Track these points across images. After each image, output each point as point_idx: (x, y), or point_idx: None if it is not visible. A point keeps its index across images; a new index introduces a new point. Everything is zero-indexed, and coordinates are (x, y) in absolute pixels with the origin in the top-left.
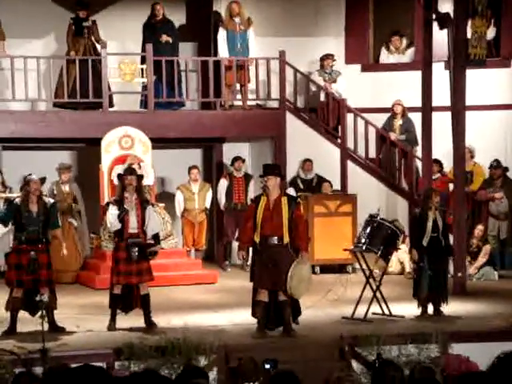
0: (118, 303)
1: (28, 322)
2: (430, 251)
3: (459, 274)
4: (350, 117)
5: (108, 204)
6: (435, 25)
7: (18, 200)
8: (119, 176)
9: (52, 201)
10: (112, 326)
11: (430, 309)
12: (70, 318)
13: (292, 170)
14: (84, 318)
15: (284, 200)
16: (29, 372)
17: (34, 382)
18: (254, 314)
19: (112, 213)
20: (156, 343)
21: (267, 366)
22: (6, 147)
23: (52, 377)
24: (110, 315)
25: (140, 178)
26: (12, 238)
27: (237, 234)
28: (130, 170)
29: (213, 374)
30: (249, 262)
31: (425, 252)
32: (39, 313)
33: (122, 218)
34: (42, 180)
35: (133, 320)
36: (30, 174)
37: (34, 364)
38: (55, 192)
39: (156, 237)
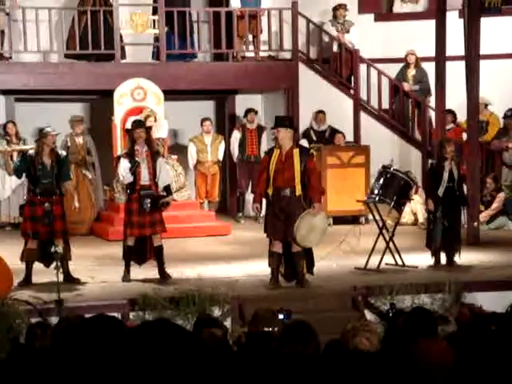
0: (131, 254)
1: (43, 273)
2: (445, 201)
3: (474, 224)
4: (362, 67)
5: (119, 157)
6: None
7: (31, 152)
8: (128, 130)
9: (64, 153)
10: (126, 277)
11: (443, 259)
12: (85, 270)
13: (305, 121)
14: (98, 269)
15: (296, 152)
16: (42, 322)
17: (48, 331)
18: (269, 265)
19: (124, 166)
20: (170, 294)
21: (281, 317)
22: (18, 99)
23: (66, 326)
24: (124, 266)
25: (149, 129)
26: (26, 191)
27: (251, 186)
28: (138, 123)
29: (227, 325)
30: (262, 214)
31: (440, 202)
32: (54, 264)
33: (134, 170)
34: (56, 134)
35: (147, 271)
36: (47, 126)
37: (49, 314)
38: (69, 144)
39: (167, 188)
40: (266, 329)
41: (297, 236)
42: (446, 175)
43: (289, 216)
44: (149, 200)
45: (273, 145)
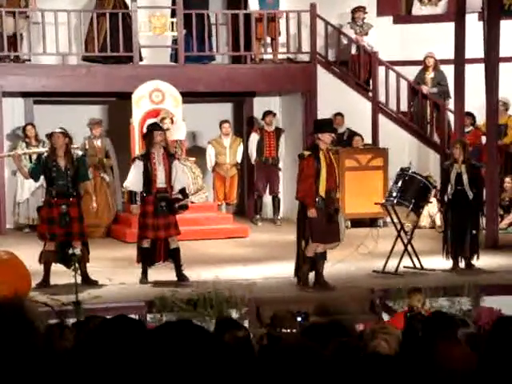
0: (148, 256)
1: (61, 275)
2: (454, 204)
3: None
4: (381, 70)
5: (135, 159)
6: None
7: (46, 154)
8: (145, 133)
9: (80, 153)
10: (144, 279)
11: (462, 262)
12: (103, 271)
13: None
14: (116, 271)
15: (331, 153)
16: (60, 323)
17: (67, 332)
18: (300, 271)
19: (134, 172)
20: (188, 296)
21: (298, 319)
22: (37, 101)
23: (88, 326)
24: (141, 269)
25: (165, 132)
26: (44, 192)
27: (268, 188)
28: (156, 126)
29: None
30: (279, 217)
31: (449, 205)
32: (72, 266)
33: (149, 175)
34: (66, 135)
35: (164, 273)
36: (59, 128)
37: (67, 316)
38: (87, 147)
39: (183, 191)
40: (284, 330)
41: (343, 236)
42: (452, 177)
43: (336, 217)
44: (164, 203)
45: (310, 147)
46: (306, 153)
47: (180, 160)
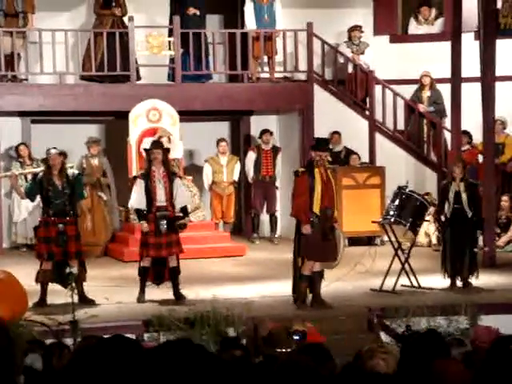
0: (147, 275)
1: (58, 294)
2: (453, 223)
3: (486, 249)
4: (378, 88)
5: (135, 178)
6: None
7: (42, 174)
8: (145, 150)
9: (76, 172)
10: (141, 298)
11: (460, 281)
12: (100, 291)
13: None
14: (113, 291)
15: (329, 171)
16: (59, 343)
17: (65, 351)
18: (297, 289)
19: (137, 191)
20: (185, 315)
21: (296, 338)
22: (34, 120)
23: (85, 346)
24: (139, 287)
25: (166, 150)
26: (41, 212)
27: (265, 207)
28: (156, 144)
29: None
30: (277, 235)
31: (448, 224)
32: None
33: (149, 194)
34: (62, 154)
35: (162, 292)
36: (54, 148)
37: (64, 335)
38: (84, 166)
39: (184, 209)
40: (278, 350)
41: (342, 255)
42: (451, 196)
43: (333, 236)
44: (165, 221)
45: (306, 165)
46: (301, 170)
47: (182, 178)
